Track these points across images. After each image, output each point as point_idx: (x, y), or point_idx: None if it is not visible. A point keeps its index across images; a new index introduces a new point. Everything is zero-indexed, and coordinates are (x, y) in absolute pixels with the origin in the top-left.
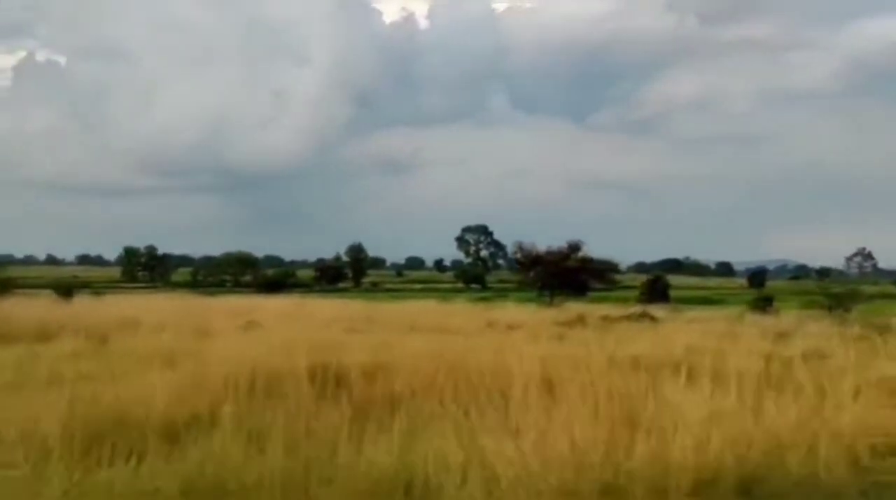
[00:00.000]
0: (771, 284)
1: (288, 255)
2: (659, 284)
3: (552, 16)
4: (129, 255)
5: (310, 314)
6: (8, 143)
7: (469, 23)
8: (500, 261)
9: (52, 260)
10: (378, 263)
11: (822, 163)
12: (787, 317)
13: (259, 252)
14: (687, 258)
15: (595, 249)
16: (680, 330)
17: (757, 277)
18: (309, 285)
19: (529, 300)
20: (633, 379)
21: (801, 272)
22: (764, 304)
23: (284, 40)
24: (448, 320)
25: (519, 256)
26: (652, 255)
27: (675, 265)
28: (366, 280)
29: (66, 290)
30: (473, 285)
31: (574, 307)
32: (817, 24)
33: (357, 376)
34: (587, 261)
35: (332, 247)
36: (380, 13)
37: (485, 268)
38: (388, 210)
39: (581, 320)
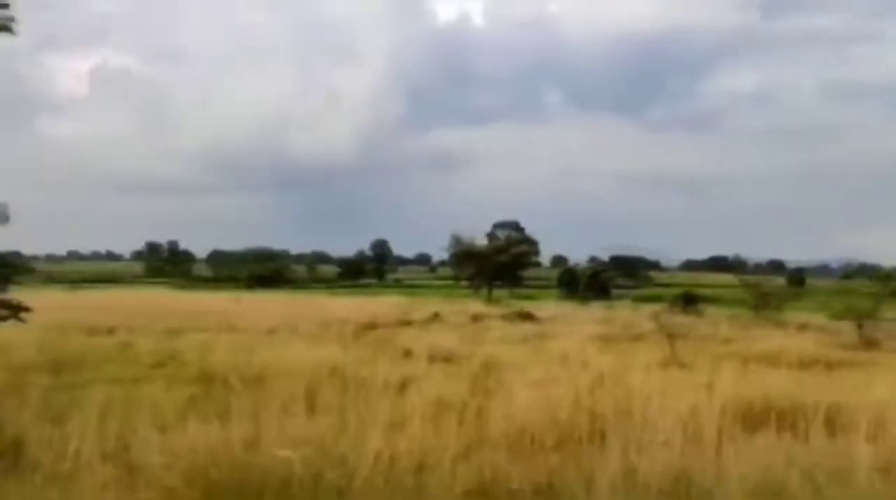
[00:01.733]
0: (815, 282)
1: (337, 251)
2: (598, 280)
3: (608, 11)
4: (151, 250)
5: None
6: (81, 145)
7: (524, 20)
8: (533, 257)
9: (111, 256)
10: (423, 259)
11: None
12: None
13: (306, 248)
14: (736, 256)
15: (648, 245)
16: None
17: (795, 275)
18: (330, 281)
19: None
20: None
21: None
22: (684, 303)
23: (340, 41)
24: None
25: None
26: (704, 252)
27: (722, 263)
28: (391, 276)
29: None
30: (496, 282)
31: (474, 305)
32: (882, 15)
33: None
34: (523, 256)
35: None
36: (434, 13)
37: None
38: (438, 207)
39: (436, 317)
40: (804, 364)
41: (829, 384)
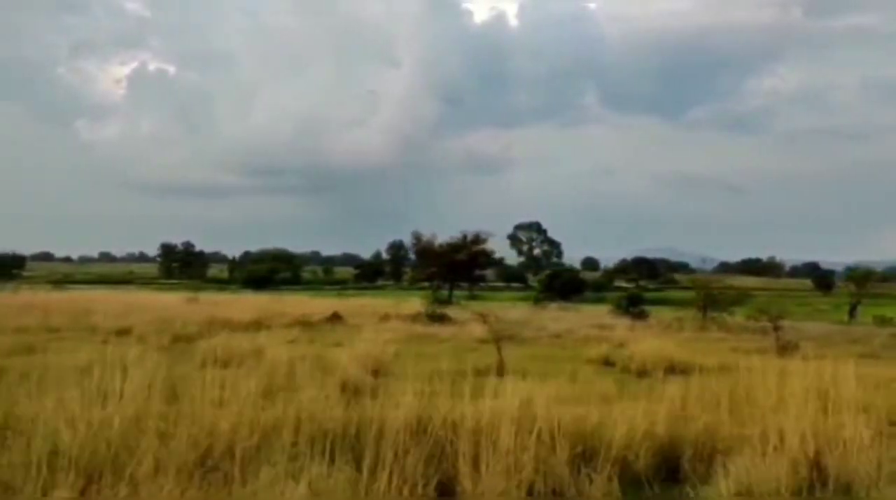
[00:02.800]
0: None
1: (367, 253)
2: (557, 281)
3: (646, 10)
4: (167, 251)
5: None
6: (120, 148)
7: (560, 20)
8: (555, 259)
9: (144, 258)
10: None
11: None
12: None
13: (337, 250)
14: (771, 258)
15: (687, 247)
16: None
17: (824, 278)
18: (346, 282)
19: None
20: None
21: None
22: (627, 304)
23: (376, 43)
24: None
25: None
26: (746, 254)
27: (755, 265)
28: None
29: None
30: (514, 284)
31: (409, 306)
32: None
33: None
34: (482, 254)
35: None
36: (470, 13)
37: (537, 266)
38: (474, 209)
39: (335, 318)
40: (646, 371)
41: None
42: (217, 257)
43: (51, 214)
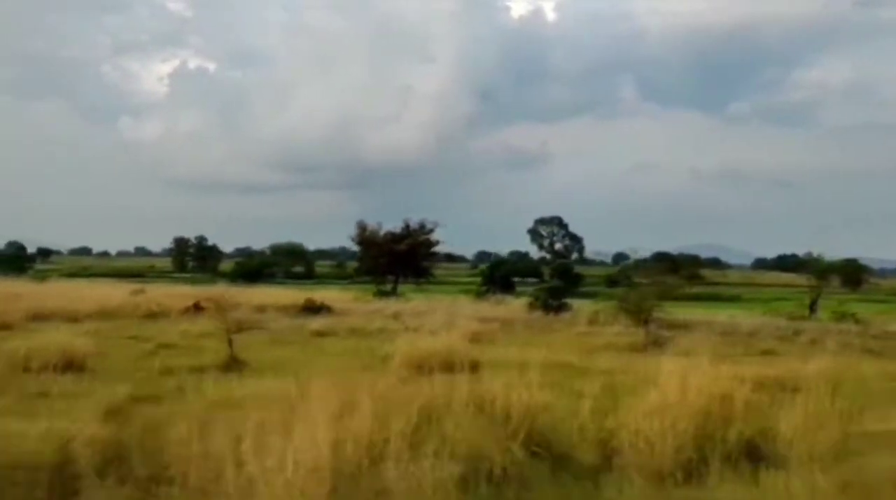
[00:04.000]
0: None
1: None
2: (497, 273)
3: (687, 2)
4: (179, 245)
5: None
6: (161, 144)
7: (598, 14)
8: (575, 254)
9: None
10: (484, 256)
11: None
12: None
13: None
14: (808, 254)
15: (729, 243)
16: None
17: (851, 276)
18: (352, 277)
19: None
20: None
21: None
22: (547, 296)
23: (413, 39)
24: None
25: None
26: (784, 250)
27: (791, 261)
28: None
29: None
30: (529, 279)
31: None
32: None
33: None
34: (423, 245)
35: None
36: (507, 8)
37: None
38: (510, 204)
39: (194, 308)
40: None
41: None
42: (248, 252)
43: (92, 210)
